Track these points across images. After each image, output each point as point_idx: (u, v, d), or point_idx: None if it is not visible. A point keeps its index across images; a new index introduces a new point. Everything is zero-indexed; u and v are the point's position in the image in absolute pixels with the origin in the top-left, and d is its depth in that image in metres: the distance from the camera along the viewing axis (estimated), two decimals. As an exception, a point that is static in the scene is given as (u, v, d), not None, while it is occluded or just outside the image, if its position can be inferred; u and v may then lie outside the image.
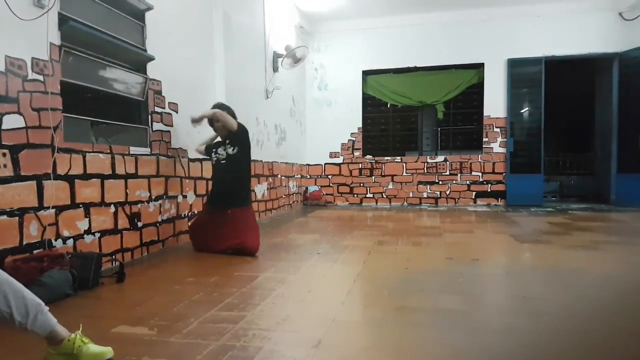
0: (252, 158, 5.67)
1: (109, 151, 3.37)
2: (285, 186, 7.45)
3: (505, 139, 8.02)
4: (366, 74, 8.62)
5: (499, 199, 8.11)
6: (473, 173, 8.21)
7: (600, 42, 7.62)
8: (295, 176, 8.12)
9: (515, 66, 7.90)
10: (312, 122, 8.81)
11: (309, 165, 8.81)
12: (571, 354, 1.77)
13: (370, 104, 8.78)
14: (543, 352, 1.80)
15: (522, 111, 8.20)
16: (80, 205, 3.09)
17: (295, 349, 1.85)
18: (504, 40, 7.91)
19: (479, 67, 8.12)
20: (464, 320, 2.19)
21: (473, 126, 8.39)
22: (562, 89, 9.69)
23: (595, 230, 5.01)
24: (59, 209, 2.90)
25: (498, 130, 8.07)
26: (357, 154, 8.71)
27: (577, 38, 7.66)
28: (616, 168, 7.82)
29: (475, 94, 8.26)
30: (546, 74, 7.82)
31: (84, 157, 3.13)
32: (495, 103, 8.03)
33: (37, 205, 2.74)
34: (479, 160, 8.17)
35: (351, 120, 8.67)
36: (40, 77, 2.79)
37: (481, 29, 8.02)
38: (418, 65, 8.34)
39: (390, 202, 8.53)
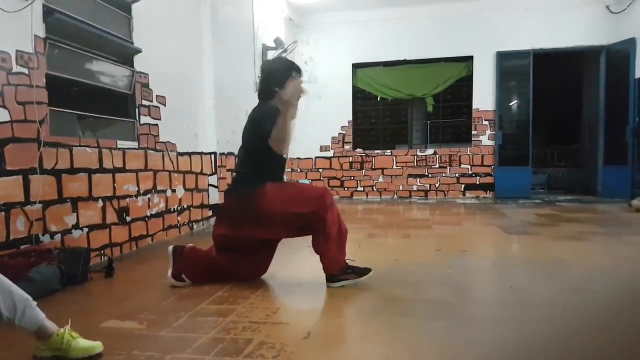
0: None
1: (96, 145, 3.34)
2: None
3: (494, 132, 8.07)
4: (356, 67, 8.60)
5: (488, 191, 8.17)
6: (462, 166, 8.25)
7: (588, 34, 7.67)
8: (286, 170, 8.09)
9: (503, 59, 7.93)
10: (302, 116, 8.70)
11: (299, 159, 8.80)
12: (558, 343, 1.80)
13: (360, 97, 8.77)
14: (530, 341, 1.82)
15: (510, 104, 8.24)
16: (68, 200, 3.06)
17: (285, 341, 1.86)
18: (493, 33, 7.93)
19: (468, 60, 8.14)
20: (452, 310, 2.22)
21: (462, 119, 8.43)
22: (550, 82, 9.75)
23: (582, 222, 5.07)
24: (46, 204, 2.88)
25: (487, 123, 8.11)
26: (347, 147, 8.71)
27: (564, 31, 7.70)
28: (603, 160, 7.90)
29: (464, 87, 8.29)
30: (534, 67, 7.86)
31: (71, 151, 3.09)
32: (484, 96, 8.07)
33: (23, 200, 2.71)
34: (468, 153, 8.22)
35: (341, 113, 8.65)
36: (25, 70, 2.75)
37: (470, 22, 8.03)
38: (408, 59, 8.35)
39: (380, 195, 8.55)
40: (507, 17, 7.89)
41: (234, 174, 3.06)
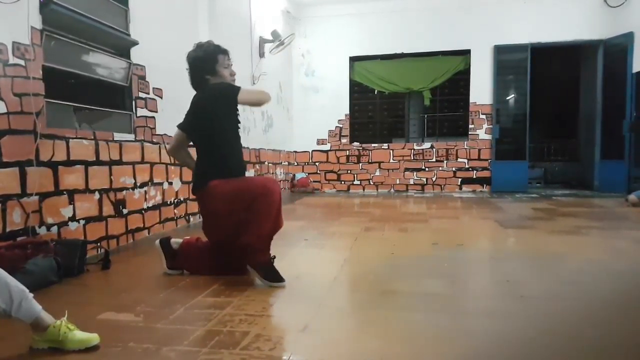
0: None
1: (92, 137, 3.33)
2: (272, 173, 7.44)
3: (490, 126, 8.08)
4: (353, 60, 8.58)
5: (484, 185, 8.19)
6: (459, 160, 8.27)
7: (585, 29, 7.67)
8: (283, 163, 8.10)
9: (501, 53, 7.93)
10: (299, 109, 8.77)
11: (296, 152, 8.79)
12: (555, 336, 1.81)
13: (357, 90, 8.77)
14: (526, 333, 1.83)
15: (507, 98, 8.25)
16: (64, 192, 3.05)
17: (282, 333, 1.87)
18: (491, 27, 7.93)
19: (466, 53, 8.14)
20: (449, 303, 2.23)
21: (459, 113, 8.44)
22: (547, 76, 9.76)
23: (579, 216, 5.09)
24: (43, 196, 2.87)
25: (484, 117, 8.12)
26: (344, 140, 8.71)
27: (562, 25, 7.70)
28: (600, 154, 7.94)
29: (461, 80, 8.30)
30: (532, 61, 7.86)
31: (67, 143, 3.08)
32: (481, 90, 8.07)
33: (20, 192, 2.70)
34: (465, 147, 8.23)
35: (338, 107, 8.65)
36: (22, 62, 2.73)
37: (468, 15, 8.02)
38: (405, 52, 8.33)
39: (377, 189, 8.56)
40: (505, 11, 7.88)
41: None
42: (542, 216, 5.13)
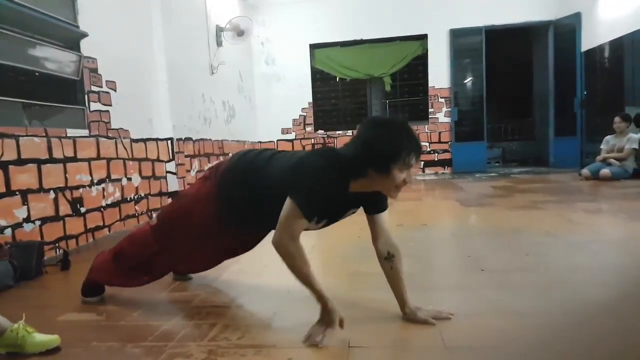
0: (200, 137, 5.56)
1: (44, 134, 3.19)
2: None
3: (449, 109, 8.23)
4: (313, 47, 8.54)
5: (446, 167, 8.36)
6: (421, 143, 8.37)
7: (536, 10, 7.88)
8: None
9: (457, 36, 8.06)
10: (261, 98, 8.67)
11: (260, 142, 8.71)
12: (513, 303, 1.88)
13: (319, 78, 8.74)
14: (487, 303, 1.89)
15: (465, 81, 8.41)
16: (17, 193, 2.92)
17: (251, 322, 1.86)
18: (446, 11, 8.03)
19: (423, 38, 8.22)
20: (415, 280, 2.26)
21: (419, 97, 8.55)
22: (502, 58, 9.99)
23: (536, 192, 5.27)
24: (-7, 198, 2.74)
25: (443, 100, 8.25)
26: (308, 129, 8.68)
27: (514, 7, 7.87)
28: (554, 132, 8.22)
29: (420, 65, 8.40)
30: (487, 44, 8.03)
31: (17, 141, 2.95)
32: (439, 74, 8.19)
33: (-33, 195, 2.57)
34: (426, 130, 8.36)
35: (301, 95, 8.61)
36: (-40, 57, 2.58)
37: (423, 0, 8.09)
38: (364, 38, 8.34)
39: (342, 176, 8.58)
40: (460, -6, 7.99)
41: None
42: (501, 193, 5.28)
